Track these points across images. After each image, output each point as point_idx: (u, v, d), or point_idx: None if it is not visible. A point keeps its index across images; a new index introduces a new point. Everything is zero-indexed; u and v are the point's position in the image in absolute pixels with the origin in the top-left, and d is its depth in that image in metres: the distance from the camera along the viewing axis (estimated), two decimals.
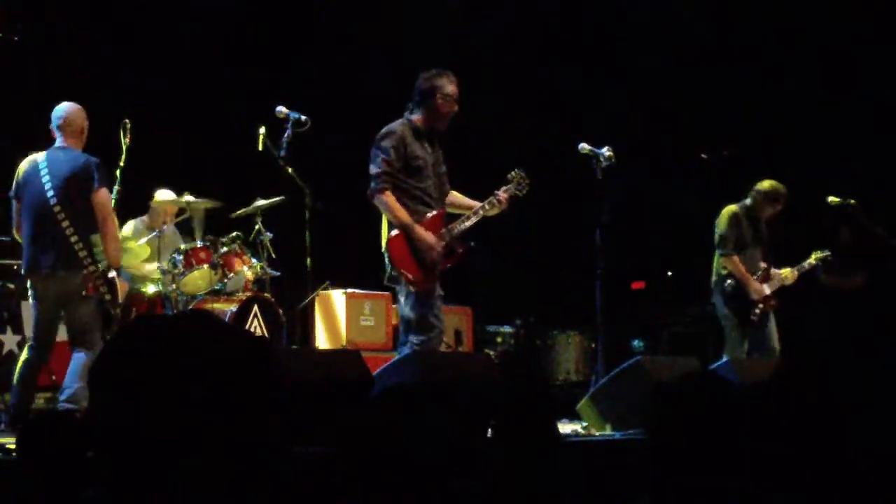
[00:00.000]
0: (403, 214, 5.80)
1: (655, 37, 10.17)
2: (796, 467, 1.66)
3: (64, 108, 5.93)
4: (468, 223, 6.07)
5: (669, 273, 10.17)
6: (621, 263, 7.83)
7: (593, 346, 9.22)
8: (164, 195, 7.66)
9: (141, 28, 8.77)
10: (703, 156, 8.36)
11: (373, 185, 5.83)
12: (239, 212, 7.72)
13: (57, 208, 5.70)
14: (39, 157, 5.84)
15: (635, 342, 10.02)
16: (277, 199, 7.59)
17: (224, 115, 8.62)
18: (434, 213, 5.96)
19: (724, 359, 7.00)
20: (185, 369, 1.39)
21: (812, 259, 7.90)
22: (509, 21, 10.16)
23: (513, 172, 6.20)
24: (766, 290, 7.67)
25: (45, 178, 5.74)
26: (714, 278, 7.83)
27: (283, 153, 6.81)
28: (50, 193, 5.72)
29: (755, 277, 7.70)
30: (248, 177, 7.71)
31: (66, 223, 5.69)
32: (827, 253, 7.90)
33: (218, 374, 1.40)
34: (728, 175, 8.09)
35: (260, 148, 6.93)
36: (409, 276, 5.80)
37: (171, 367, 1.39)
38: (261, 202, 7.67)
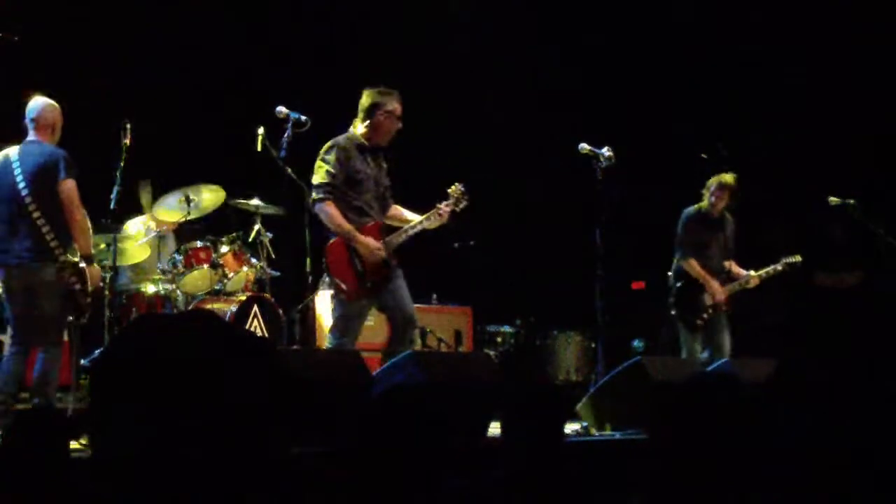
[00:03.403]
0: (345, 223, 6.06)
1: (655, 36, 10.16)
2: (796, 467, 1.66)
3: (37, 104, 6.01)
4: (406, 236, 6.29)
5: (669, 273, 10.17)
6: (621, 263, 7.82)
7: (593, 346, 9.22)
8: (162, 206, 7.66)
9: (141, 28, 8.77)
10: (702, 156, 8.36)
11: (315, 194, 6.08)
12: (236, 202, 7.71)
13: (28, 199, 5.78)
14: (12, 151, 5.94)
15: (635, 342, 10.02)
16: (276, 207, 7.59)
17: (224, 115, 8.62)
18: (372, 222, 6.20)
19: (724, 359, 7.01)
20: (185, 369, 1.39)
21: (779, 265, 7.83)
22: (509, 21, 10.16)
23: (453, 187, 6.35)
24: (722, 295, 7.64)
25: (17, 172, 5.83)
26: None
27: (282, 153, 6.82)
28: (21, 185, 5.80)
29: (718, 279, 7.69)
30: (248, 177, 7.71)
31: (37, 214, 5.76)
32: (796, 259, 7.81)
33: (219, 373, 1.40)
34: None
35: (259, 148, 6.93)
36: (343, 287, 6.07)
37: (172, 367, 1.39)
38: (258, 202, 7.66)
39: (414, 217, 6.37)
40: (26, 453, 3.00)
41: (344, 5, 9.94)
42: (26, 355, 5.91)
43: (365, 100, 6.28)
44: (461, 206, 6.34)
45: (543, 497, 3.02)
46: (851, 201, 7.90)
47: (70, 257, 5.82)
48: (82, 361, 6.90)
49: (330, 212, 6.05)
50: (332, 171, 6.07)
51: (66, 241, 5.82)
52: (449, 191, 6.35)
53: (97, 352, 6.72)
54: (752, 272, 7.79)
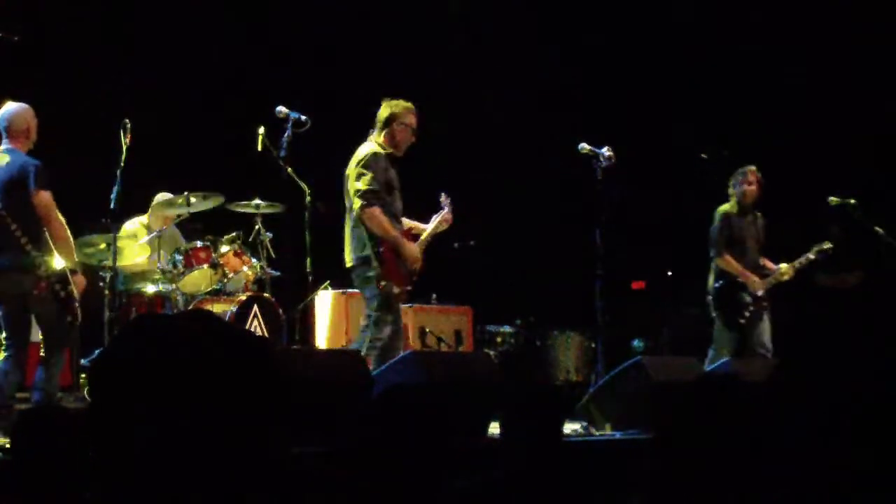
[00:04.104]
0: (392, 229, 6.27)
1: (655, 36, 10.17)
2: (796, 467, 1.66)
3: (7, 110, 5.89)
4: (426, 244, 6.59)
5: (669, 273, 10.17)
6: (621, 263, 7.82)
7: (593, 346, 9.21)
8: (162, 199, 7.66)
9: (141, 28, 8.77)
10: (702, 156, 8.36)
11: (363, 201, 6.20)
12: (237, 204, 7.70)
13: (4, 213, 5.69)
14: None
15: (635, 342, 10.02)
16: (276, 205, 7.59)
17: (224, 115, 8.62)
18: (405, 229, 6.48)
19: (724, 359, 7.00)
20: (185, 369, 1.39)
21: (811, 254, 7.83)
22: (509, 21, 10.16)
23: (442, 196, 6.63)
24: (762, 286, 7.66)
25: None
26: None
27: (282, 153, 6.82)
28: None
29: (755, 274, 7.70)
30: (248, 177, 7.70)
31: (14, 226, 5.67)
32: (828, 245, 7.80)
33: (218, 373, 1.40)
34: (728, 175, 8.08)
35: (259, 148, 6.92)
36: (395, 290, 6.26)
37: (172, 367, 1.39)
38: (259, 202, 7.66)
39: (416, 224, 6.63)
40: (37, 453, 3.00)
41: (344, 5, 9.94)
42: (22, 356, 5.90)
43: (383, 111, 6.45)
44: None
45: (543, 497, 3.02)
46: (851, 201, 7.90)
47: (53, 266, 5.76)
48: (82, 361, 6.90)
49: (379, 218, 6.22)
50: (377, 178, 6.24)
51: (47, 251, 5.75)
52: (441, 200, 6.61)
53: (97, 352, 6.72)
54: (784, 264, 7.77)
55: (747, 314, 7.62)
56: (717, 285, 7.75)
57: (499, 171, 9.67)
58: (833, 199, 7.95)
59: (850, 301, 8.57)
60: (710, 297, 7.83)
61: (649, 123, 9.95)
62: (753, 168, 7.77)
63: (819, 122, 9.54)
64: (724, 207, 7.82)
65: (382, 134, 6.41)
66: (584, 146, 6.73)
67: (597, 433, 5.99)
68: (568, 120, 9.24)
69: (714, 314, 7.78)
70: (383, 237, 6.24)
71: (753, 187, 7.76)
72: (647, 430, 5.50)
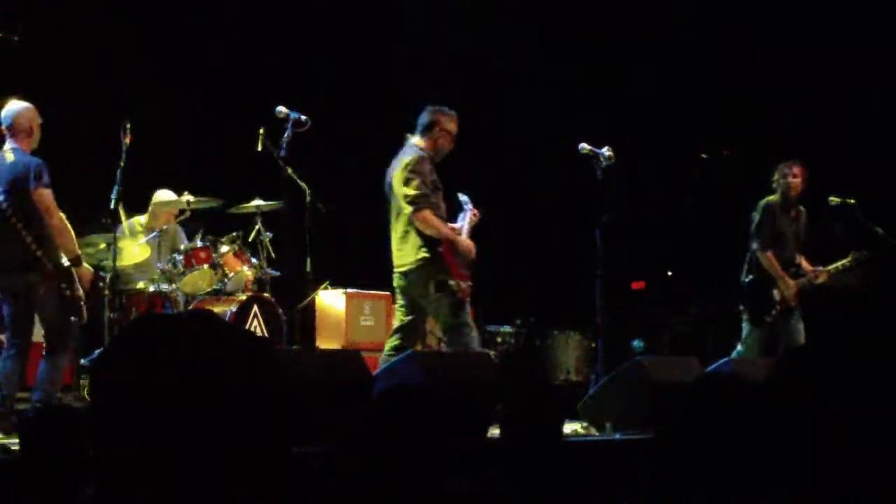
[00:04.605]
0: (445, 227, 6.42)
1: (656, 36, 10.16)
2: (795, 467, 1.66)
3: (11, 109, 5.95)
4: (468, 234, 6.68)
5: (669, 273, 10.17)
6: (621, 263, 7.82)
7: (593, 346, 9.21)
8: (162, 196, 7.66)
9: (140, 28, 8.76)
10: (702, 156, 8.35)
11: (414, 206, 6.33)
12: (238, 207, 7.70)
13: (9, 211, 5.77)
14: None
15: (635, 342, 10.02)
16: (276, 202, 7.59)
17: (224, 115, 8.61)
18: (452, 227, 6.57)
19: (724, 359, 7.00)
20: (185, 369, 1.39)
21: (847, 260, 7.70)
22: (509, 21, 10.16)
23: (461, 196, 6.74)
24: (794, 288, 7.52)
25: None
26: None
27: (282, 153, 6.82)
28: (0, 197, 5.80)
29: (788, 272, 7.57)
30: (248, 177, 7.70)
31: (19, 225, 5.75)
32: (866, 254, 7.63)
33: (219, 373, 1.40)
34: (728, 175, 8.08)
35: (259, 148, 6.92)
36: (463, 286, 6.40)
37: (172, 367, 1.39)
38: (259, 202, 7.66)
39: (451, 226, 6.70)
40: (47, 452, 3.00)
41: (344, 5, 9.93)
42: (24, 356, 5.91)
43: (426, 117, 6.58)
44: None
45: (543, 497, 3.02)
46: (851, 201, 7.89)
47: (57, 263, 5.80)
48: (82, 361, 6.91)
49: (431, 219, 6.35)
50: (425, 181, 6.37)
51: (51, 248, 5.80)
52: (461, 199, 6.71)
53: (97, 352, 6.72)
54: (821, 268, 7.66)
55: (774, 312, 7.54)
56: (748, 280, 7.65)
57: (498, 172, 9.66)
58: (833, 199, 7.94)
59: (850, 301, 8.57)
60: (741, 290, 7.66)
61: (649, 123, 9.95)
62: (798, 161, 7.67)
63: (819, 122, 9.53)
64: (772, 198, 7.66)
65: (425, 139, 6.54)
66: (584, 146, 6.73)
67: (597, 433, 5.99)
68: (568, 120, 9.24)
69: (741, 309, 7.68)
70: (438, 237, 6.37)
71: (798, 180, 7.62)
72: (647, 430, 5.50)
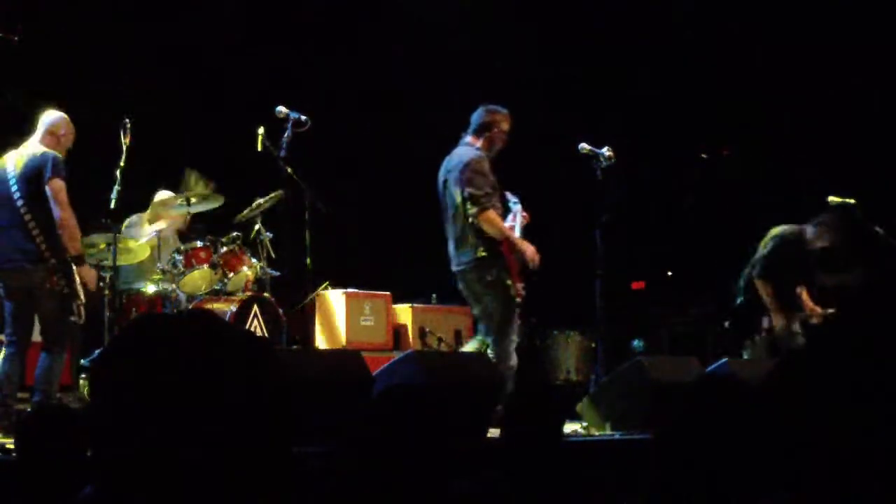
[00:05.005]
0: (506, 229, 6.47)
1: (656, 36, 10.16)
2: (795, 467, 1.66)
3: (51, 116, 6.15)
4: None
5: (669, 273, 10.17)
6: (621, 263, 7.82)
7: (593, 346, 9.21)
8: (162, 195, 7.65)
9: (141, 28, 8.76)
10: (702, 156, 8.35)
11: (478, 206, 6.35)
12: (242, 214, 7.70)
13: (21, 204, 5.86)
14: (9, 156, 6.02)
15: (635, 342, 10.02)
16: (275, 193, 7.58)
17: (224, 115, 8.61)
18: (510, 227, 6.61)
19: (724, 359, 6.99)
20: (185, 369, 1.39)
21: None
22: (509, 21, 10.16)
23: (509, 195, 6.72)
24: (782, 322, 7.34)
25: (11, 175, 5.92)
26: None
27: (282, 153, 6.82)
28: (14, 188, 5.89)
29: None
30: (248, 177, 7.70)
31: (28, 217, 5.84)
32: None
33: (219, 373, 1.40)
34: (728, 175, 8.08)
35: (260, 148, 6.92)
36: (518, 285, 6.39)
37: (172, 367, 1.39)
38: (259, 200, 7.66)
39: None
40: (43, 452, 3.00)
41: (344, 5, 9.94)
42: (24, 355, 5.92)
43: (482, 116, 6.63)
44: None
45: (543, 497, 3.02)
46: (851, 201, 7.88)
47: (61, 258, 5.82)
48: (82, 361, 6.91)
49: (495, 219, 6.41)
50: (487, 181, 6.43)
51: (57, 245, 5.83)
52: (508, 198, 6.71)
53: (97, 352, 6.72)
54: (819, 309, 7.39)
55: (757, 338, 7.39)
56: (739, 300, 7.51)
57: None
58: (833, 199, 7.94)
59: (848, 300, 8.56)
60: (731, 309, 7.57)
61: (649, 123, 9.94)
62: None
63: (819, 122, 9.53)
64: (790, 230, 7.34)
65: (481, 138, 6.57)
66: (584, 146, 6.73)
67: (597, 433, 5.99)
68: (568, 120, 9.23)
69: (725, 325, 7.59)
70: (500, 237, 6.41)
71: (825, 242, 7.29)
72: (647, 430, 5.50)
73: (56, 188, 5.86)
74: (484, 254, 6.38)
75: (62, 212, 5.85)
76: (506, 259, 6.39)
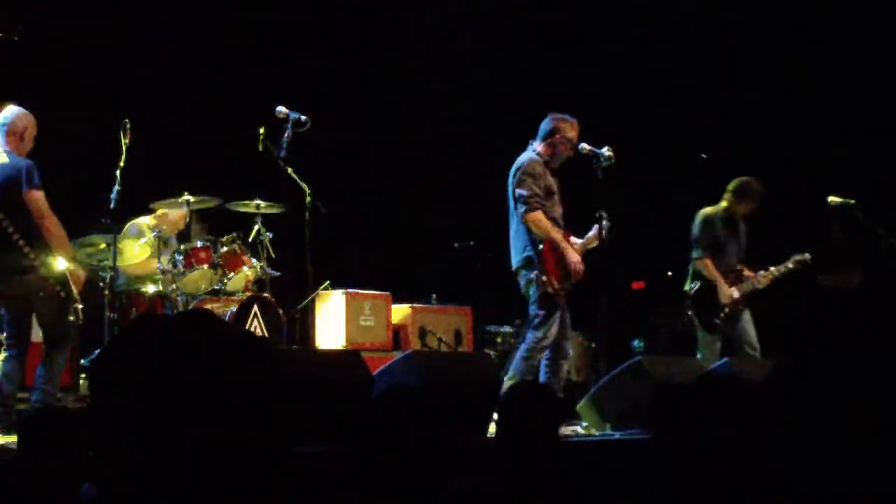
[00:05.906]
0: (555, 232, 6.56)
1: (656, 36, 10.16)
2: (795, 467, 1.66)
3: (9, 113, 5.90)
4: (581, 252, 6.69)
5: (669, 273, 10.16)
6: (621, 263, 7.81)
7: (593, 346, 9.22)
8: (163, 209, 7.65)
9: (141, 28, 8.76)
10: (703, 156, 8.35)
11: (525, 206, 6.51)
12: (238, 203, 7.68)
13: (1, 215, 5.69)
14: None
15: (635, 342, 10.02)
16: (277, 206, 7.58)
17: (224, 115, 8.61)
18: (564, 232, 6.69)
19: (724, 359, 6.99)
20: (185, 369, 1.39)
21: (790, 263, 7.75)
22: (509, 21, 10.16)
23: (600, 214, 6.70)
24: (735, 293, 7.54)
25: None
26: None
27: (282, 153, 6.82)
28: None
29: (727, 280, 7.63)
30: (248, 177, 7.70)
31: (10, 229, 5.69)
32: (807, 257, 7.74)
33: (219, 373, 1.40)
34: (727, 175, 8.07)
35: (260, 148, 6.92)
36: (555, 283, 6.48)
37: (172, 367, 1.39)
38: (259, 202, 7.66)
39: (572, 238, 6.75)
40: (42, 453, 3.00)
41: (345, 6, 9.94)
42: (23, 355, 5.91)
43: (547, 124, 6.76)
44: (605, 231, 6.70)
45: (542, 497, 3.02)
46: (851, 201, 7.88)
47: (50, 266, 5.76)
48: (82, 361, 6.91)
49: (541, 220, 6.52)
50: (538, 183, 6.56)
51: (44, 251, 5.76)
52: (598, 217, 6.68)
53: (97, 352, 6.72)
54: (763, 272, 7.71)
55: (723, 315, 7.54)
56: (694, 287, 7.66)
57: (498, 171, 9.65)
58: (833, 199, 7.94)
59: (850, 301, 8.56)
60: (686, 301, 7.71)
61: (649, 123, 9.95)
62: (756, 189, 7.64)
63: (819, 121, 9.54)
64: (708, 210, 7.71)
65: (544, 144, 6.70)
66: (584, 146, 6.73)
67: (597, 433, 5.99)
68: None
69: (690, 314, 7.71)
70: (546, 239, 6.51)
71: (752, 208, 7.66)
72: (647, 430, 5.50)
73: (35, 199, 5.70)
74: (528, 254, 6.55)
75: (46, 220, 5.72)
76: (544, 258, 6.52)
